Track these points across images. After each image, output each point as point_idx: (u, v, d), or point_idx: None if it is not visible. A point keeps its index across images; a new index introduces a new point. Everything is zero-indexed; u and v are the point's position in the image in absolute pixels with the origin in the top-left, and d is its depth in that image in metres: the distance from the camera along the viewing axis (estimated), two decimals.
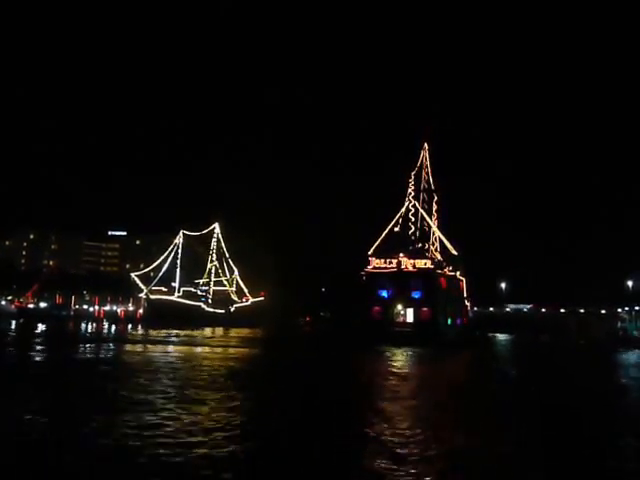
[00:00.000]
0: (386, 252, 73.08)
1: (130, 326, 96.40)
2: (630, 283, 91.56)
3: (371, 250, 74.16)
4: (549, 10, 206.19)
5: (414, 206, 78.20)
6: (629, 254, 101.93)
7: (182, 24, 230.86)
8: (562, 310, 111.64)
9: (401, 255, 71.66)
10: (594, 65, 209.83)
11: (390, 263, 71.56)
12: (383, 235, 75.31)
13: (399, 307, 70.13)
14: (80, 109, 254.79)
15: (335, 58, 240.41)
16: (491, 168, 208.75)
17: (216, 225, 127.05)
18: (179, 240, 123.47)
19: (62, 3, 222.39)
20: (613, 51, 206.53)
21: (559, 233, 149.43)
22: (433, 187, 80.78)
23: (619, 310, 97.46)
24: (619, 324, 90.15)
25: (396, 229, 75.93)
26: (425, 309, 68.70)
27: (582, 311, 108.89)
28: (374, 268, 72.11)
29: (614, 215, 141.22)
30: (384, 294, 70.86)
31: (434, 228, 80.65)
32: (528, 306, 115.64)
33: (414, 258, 72.10)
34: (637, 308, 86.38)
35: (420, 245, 77.23)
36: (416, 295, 69.72)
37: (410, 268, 70.99)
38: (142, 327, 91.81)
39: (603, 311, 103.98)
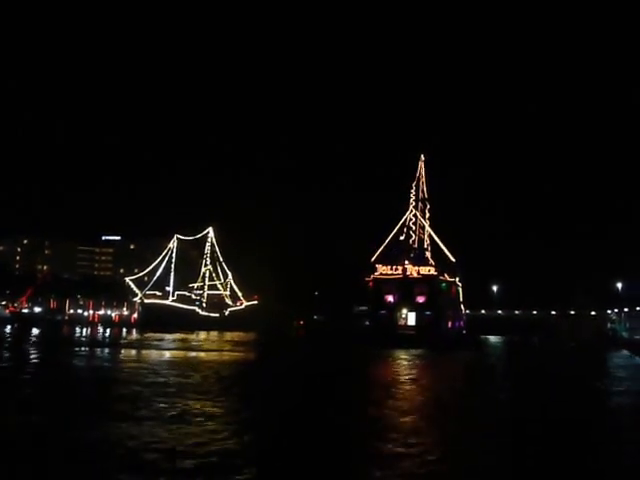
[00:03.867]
0: (390, 259, 77.04)
1: (125, 330, 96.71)
2: (619, 285, 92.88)
3: (374, 257, 78.00)
4: (538, 19, 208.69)
5: (415, 215, 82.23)
6: (618, 257, 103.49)
7: (179, 26, 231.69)
8: (553, 312, 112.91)
9: (406, 262, 75.67)
10: (583, 76, 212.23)
11: (396, 270, 75.38)
12: (386, 242, 79.30)
13: (404, 311, 73.58)
14: (74, 113, 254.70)
15: (338, 66, 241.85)
16: (483, 175, 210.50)
17: (210, 229, 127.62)
18: (173, 244, 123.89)
19: (53, 9, 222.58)
20: (598, 66, 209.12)
21: (550, 237, 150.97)
22: (427, 196, 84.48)
23: (609, 312, 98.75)
24: (609, 325, 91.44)
25: (401, 237, 79.98)
26: (428, 313, 72.52)
27: (572, 313, 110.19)
28: (380, 274, 75.76)
29: (604, 219, 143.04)
30: (390, 299, 74.50)
31: (429, 233, 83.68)
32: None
33: (418, 265, 76.22)
34: (626, 310, 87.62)
35: (419, 252, 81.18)
36: (420, 300, 73.60)
37: (415, 275, 75.03)
38: (137, 331, 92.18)
39: (593, 313, 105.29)
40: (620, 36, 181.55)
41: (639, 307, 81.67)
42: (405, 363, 46.66)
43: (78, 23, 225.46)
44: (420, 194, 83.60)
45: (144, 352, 49.90)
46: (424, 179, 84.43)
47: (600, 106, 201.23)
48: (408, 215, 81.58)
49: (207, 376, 31.60)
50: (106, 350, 52.92)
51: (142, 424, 18.00)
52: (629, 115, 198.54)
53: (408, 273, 75.03)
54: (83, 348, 54.40)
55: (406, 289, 73.78)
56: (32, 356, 43.59)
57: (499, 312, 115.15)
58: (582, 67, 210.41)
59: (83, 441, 15.87)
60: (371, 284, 76.07)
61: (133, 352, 50.57)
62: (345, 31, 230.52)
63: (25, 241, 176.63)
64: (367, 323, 77.89)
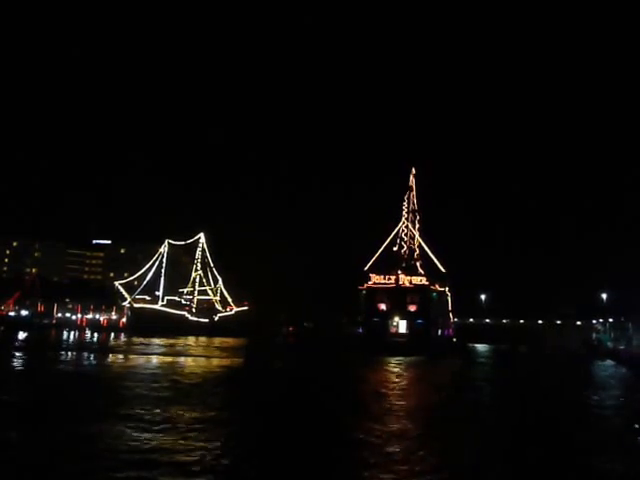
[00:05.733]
0: (383, 269, 79.99)
1: (113, 335, 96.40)
2: (604, 296, 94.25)
3: (367, 266, 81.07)
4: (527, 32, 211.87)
5: (407, 227, 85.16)
6: (604, 268, 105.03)
7: (178, 29, 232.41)
8: (539, 321, 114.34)
9: (399, 272, 78.57)
10: (570, 92, 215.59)
11: (389, 279, 78.14)
12: (379, 252, 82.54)
13: (396, 319, 76.01)
14: (66, 116, 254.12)
15: (337, 71, 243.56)
16: (472, 187, 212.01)
17: (201, 235, 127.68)
18: (164, 249, 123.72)
19: (51, 13, 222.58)
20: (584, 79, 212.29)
21: (537, 248, 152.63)
22: (416, 208, 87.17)
23: (594, 322, 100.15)
24: (594, 335, 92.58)
25: (394, 248, 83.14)
26: (420, 321, 75.02)
27: (559, 322, 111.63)
28: (374, 283, 78.56)
29: (590, 230, 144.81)
30: (383, 307, 77.02)
31: (421, 245, 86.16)
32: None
33: (411, 275, 79.21)
34: (611, 320, 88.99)
35: (413, 262, 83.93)
36: (412, 309, 76.23)
37: (407, 284, 77.90)
38: (125, 336, 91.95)
39: (579, 323, 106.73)
40: (606, 41, 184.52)
41: (623, 318, 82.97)
42: (396, 369, 47.73)
43: (77, 24, 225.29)
44: (411, 205, 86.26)
45: (124, 357, 49.92)
46: (415, 191, 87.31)
47: (571, 125, 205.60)
48: (400, 226, 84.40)
49: (190, 382, 31.82)
50: (92, 355, 52.83)
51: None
52: (601, 129, 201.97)
53: (401, 282, 77.74)
54: (67, 352, 54.24)
55: (398, 298, 76.29)
56: (14, 360, 43.49)
57: (487, 321, 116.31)
58: (569, 80, 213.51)
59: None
60: (364, 293, 78.57)
61: (119, 357, 50.56)
62: (342, 38, 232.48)
63: (14, 243, 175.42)
64: (360, 330, 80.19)
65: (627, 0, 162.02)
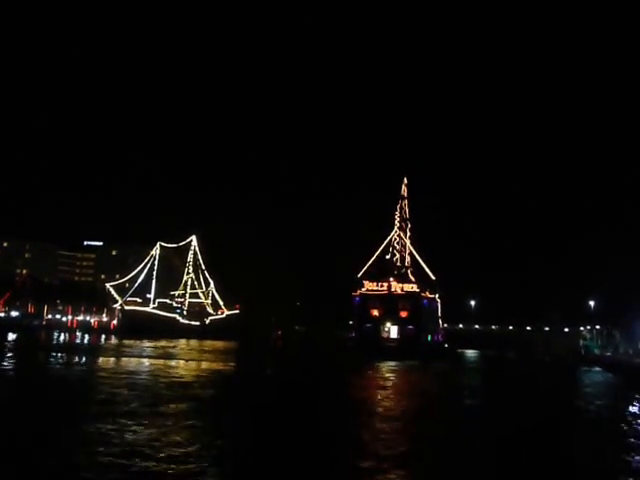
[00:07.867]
0: (376, 276, 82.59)
1: (104, 337, 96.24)
2: (592, 303, 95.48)
3: (360, 273, 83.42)
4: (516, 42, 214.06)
5: (399, 235, 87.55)
6: (591, 275, 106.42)
7: (175, 30, 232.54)
8: (528, 328, 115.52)
9: (391, 279, 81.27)
10: (560, 99, 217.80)
11: (382, 286, 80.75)
12: (372, 259, 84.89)
13: (387, 324, 78.07)
14: (59, 117, 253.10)
15: (330, 83, 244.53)
16: (461, 195, 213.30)
17: (193, 237, 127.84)
18: (156, 251, 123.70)
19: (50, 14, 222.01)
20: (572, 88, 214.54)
21: (525, 254, 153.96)
22: (407, 216, 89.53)
23: (581, 329, 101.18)
24: (581, 342, 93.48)
25: (387, 256, 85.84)
26: (410, 327, 77.38)
27: (547, 329, 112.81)
28: (367, 290, 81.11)
29: (578, 238, 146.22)
30: (375, 313, 79.25)
31: (412, 253, 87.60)
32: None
33: (402, 282, 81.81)
34: (598, 327, 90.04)
35: (404, 270, 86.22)
36: (403, 315, 78.61)
37: (399, 291, 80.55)
38: (116, 338, 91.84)
39: (566, 329, 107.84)
40: (606, 41, 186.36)
41: (610, 325, 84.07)
42: (389, 374, 48.64)
43: (77, 24, 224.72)
44: (402, 214, 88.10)
45: (113, 359, 50.04)
46: (406, 200, 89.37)
47: (562, 133, 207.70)
48: (393, 234, 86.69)
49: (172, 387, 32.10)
50: (81, 357, 52.90)
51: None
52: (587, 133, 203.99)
53: (393, 289, 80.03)
54: (57, 354, 54.28)
55: (390, 304, 78.42)
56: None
57: (476, 327, 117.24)
58: (569, 80, 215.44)
59: None
60: (358, 299, 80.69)
61: (109, 359, 50.69)
62: (342, 39, 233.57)
63: (5, 243, 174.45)
64: (352, 335, 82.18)
65: (627, 0, 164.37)
